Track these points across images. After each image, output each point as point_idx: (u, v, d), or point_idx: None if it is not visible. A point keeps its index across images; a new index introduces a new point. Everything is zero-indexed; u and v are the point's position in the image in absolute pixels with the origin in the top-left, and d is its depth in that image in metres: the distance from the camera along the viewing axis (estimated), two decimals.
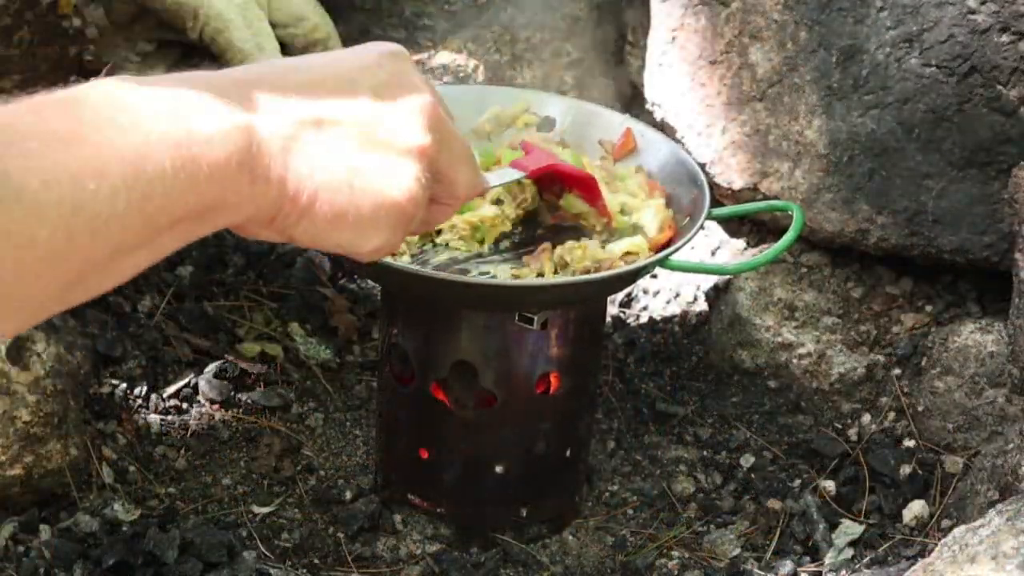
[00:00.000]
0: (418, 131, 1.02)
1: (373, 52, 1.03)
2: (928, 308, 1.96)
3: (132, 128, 0.80)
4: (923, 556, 1.70)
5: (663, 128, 2.04)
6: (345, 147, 0.96)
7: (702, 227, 1.59)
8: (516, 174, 1.51)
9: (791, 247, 1.68)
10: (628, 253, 1.57)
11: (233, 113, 0.87)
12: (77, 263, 0.77)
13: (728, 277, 2.04)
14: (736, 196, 2.00)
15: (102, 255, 0.79)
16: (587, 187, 1.59)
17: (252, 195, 0.89)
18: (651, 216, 1.61)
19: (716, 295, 2.07)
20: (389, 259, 1.53)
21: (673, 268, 1.59)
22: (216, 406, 1.90)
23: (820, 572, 1.72)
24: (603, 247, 1.57)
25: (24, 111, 0.77)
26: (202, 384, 1.92)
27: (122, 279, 0.83)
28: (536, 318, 1.56)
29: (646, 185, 1.66)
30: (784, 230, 1.63)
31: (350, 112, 0.97)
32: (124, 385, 1.88)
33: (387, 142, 0.99)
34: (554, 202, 1.61)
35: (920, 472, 1.82)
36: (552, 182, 1.59)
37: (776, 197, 1.96)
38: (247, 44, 1.65)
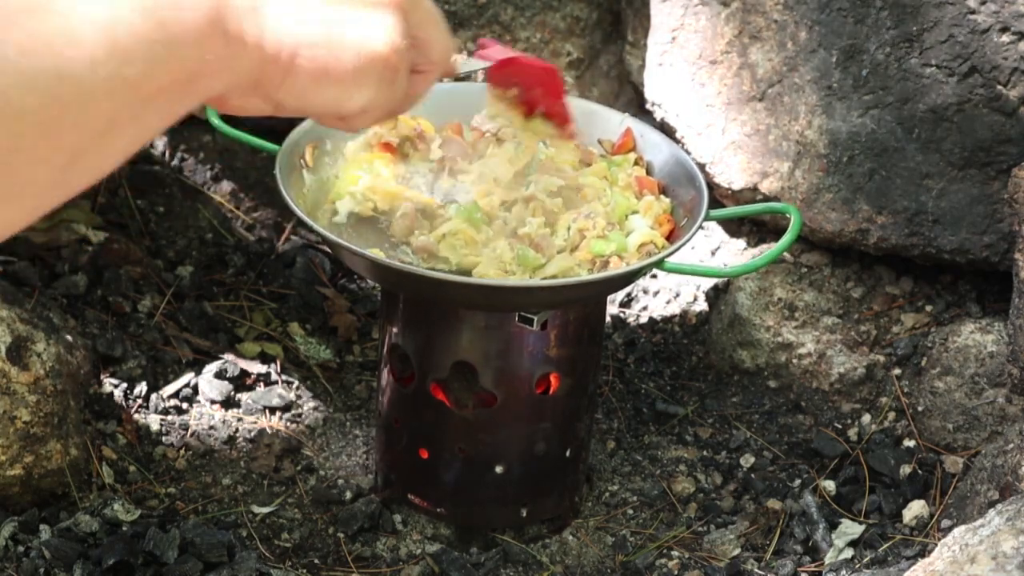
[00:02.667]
0: None
1: None
2: (928, 308, 1.96)
3: None
4: (923, 556, 1.70)
5: (663, 128, 2.04)
6: (317, 3, 0.96)
7: (701, 227, 1.59)
8: (481, 63, 1.48)
9: (789, 248, 1.68)
10: (643, 244, 1.58)
11: None
12: (71, 137, 0.76)
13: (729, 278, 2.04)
14: (736, 196, 2.00)
15: (93, 128, 0.77)
16: (549, 81, 1.54)
17: (229, 57, 0.88)
18: (638, 219, 1.61)
19: (716, 295, 2.07)
20: (388, 259, 1.53)
21: (670, 270, 1.59)
22: (216, 406, 1.90)
23: (820, 572, 1.72)
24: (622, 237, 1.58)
25: None
26: (202, 384, 1.92)
27: (115, 160, 0.81)
28: (536, 318, 1.56)
29: (635, 184, 1.66)
30: (784, 231, 1.63)
31: None
32: (124, 385, 1.88)
33: None
34: (509, 101, 1.57)
35: (920, 472, 1.82)
36: (509, 81, 1.54)
37: (776, 197, 1.96)
38: None
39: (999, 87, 1.80)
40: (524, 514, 1.75)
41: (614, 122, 1.75)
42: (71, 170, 0.78)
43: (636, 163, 1.71)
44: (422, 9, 1.09)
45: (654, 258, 1.54)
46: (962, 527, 1.49)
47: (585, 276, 1.54)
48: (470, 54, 1.50)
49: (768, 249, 1.71)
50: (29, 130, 0.73)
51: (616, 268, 1.54)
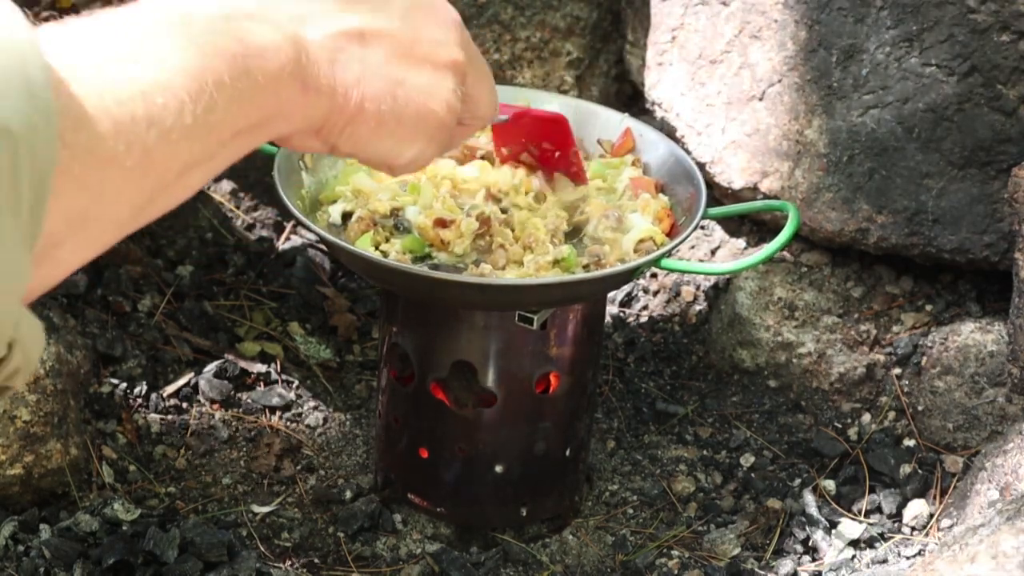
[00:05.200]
0: (453, 47, 1.09)
1: None
2: (928, 308, 1.96)
3: (189, 44, 0.82)
4: (923, 556, 1.70)
5: (663, 128, 2.04)
6: (388, 60, 1.01)
7: (701, 227, 1.59)
8: (500, 116, 1.51)
9: (787, 246, 1.68)
10: (642, 241, 1.58)
11: (282, 26, 0.90)
12: (153, 179, 0.79)
13: (728, 277, 2.04)
14: (736, 196, 2.00)
15: (175, 170, 0.81)
16: (558, 131, 1.58)
17: (304, 104, 0.92)
18: (637, 216, 1.61)
19: (716, 295, 2.07)
20: (387, 259, 1.53)
21: (668, 269, 1.59)
22: (216, 406, 1.90)
23: (820, 572, 1.72)
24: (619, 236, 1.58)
25: (83, 32, 0.78)
26: (202, 384, 1.92)
27: (186, 195, 0.85)
28: (536, 318, 1.56)
29: (630, 186, 1.66)
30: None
31: (389, 27, 1.02)
32: (124, 385, 1.88)
33: (426, 56, 1.05)
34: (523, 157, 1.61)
35: (920, 472, 1.82)
36: (518, 139, 1.59)
37: (776, 197, 1.96)
38: None
39: (999, 87, 1.80)
40: (524, 514, 1.75)
41: (614, 122, 1.75)
42: (147, 208, 0.81)
43: (633, 164, 1.71)
44: (477, 69, 1.15)
45: (652, 256, 1.54)
46: (962, 527, 1.49)
47: (583, 274, 1.54)
48: None
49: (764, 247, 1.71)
50: (115, 176, 0.76)
51: (614, 266, 1.54)
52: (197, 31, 0.83)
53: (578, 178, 1.63)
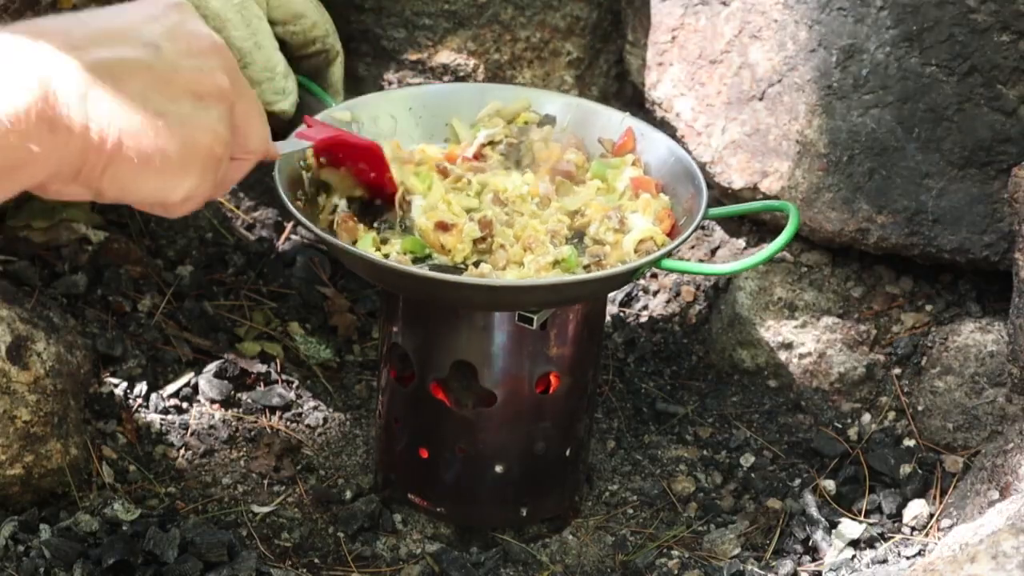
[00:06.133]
0: (217, 74, 1.03)
1: (157, 3, 1.03)
2: (928, 308, 1.96)
3: None
4: (923, 556, 1.70)
5: (663, 127, 2.04)
6: (145, 92, 0.96)
7: (701, 226, 1.59)
8: (302, 143, 1.50)
9: (787, 246, 1.68)
10: (642, 241, 1.58)
11: (28, 65, 0.86)
12: None
13: (728, 277, 2.04)
14: (736, 196, 2.00)
15: None
16: (373, 158, 1.57)
17: (54, 146, 0.89)
18: (638, 217, 1.61)
19: (716, 295, 2.07)
20: (384, 258, 1.53)
21: (668, 269, 1.59)
22: (216, 406, 1.90)
23: (820, 572, 1.72)
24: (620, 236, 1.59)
25: None
26: (202, 384, 1.92)
27: None
28: (535, 318, 1.56)
29: (631, 186, 1.66)
30: (784, 230, 1.63)
31: (144, 58, 0.97)
32: (124, 385, 1.88)
33: (186, 86, 1.00)
34: (342, 176, 1.60)
35: (920, 472, 1.82)
36: (337, 159, 1.58)
37: (776, 197, 1.96)
38: (245, 43, 1.65)
39: (999, 87, 1.80)
40: (524, 513, 1.75)
41: (615, 121, 1.75)
42: None
43: (634, 164, 1.71)
44: (245, 100, 1.09)
45: (652, 257, 1.54)
46: (962, 527, 1.49)
47: (583, 275, 1.54)
48: (309, 126, 1.53)
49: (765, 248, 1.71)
50: None
51: (614, 267, 1.54)
52: None
53: (391, 196, 1.61)
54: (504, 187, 1.64)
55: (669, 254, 1.56)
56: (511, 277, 1.54)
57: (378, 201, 1.60)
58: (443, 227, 1.56)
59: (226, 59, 1.06)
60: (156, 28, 1.00)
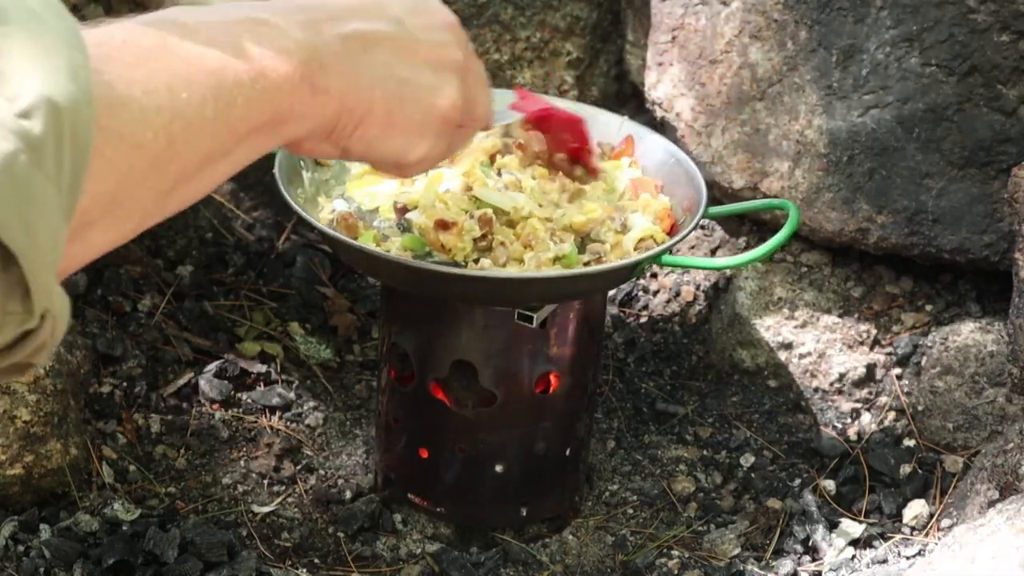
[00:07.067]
0: (453, 48, 1.14)
1: None
2: (928, 308, 1.96)
3: (208, 45, 0.87)
4: (923, 556, 1.70)
5: (663, 127, 2.04)
6: (392, 62, 1.06)
7: (701, 226, 1.59)
8: (515, 114, 1.58)
9: (787, 243, 1.68)
10: (642, 240, 1.58)
11: (291, 32, 0.94)
12: (176, 168, 0.84)
13: (728, 276, 2.04)
14: (736, 196, 2.00)
15: (195, 161, 0.86)
16: (576, 130, 1.63)
17: (314, 106, 0.97)
18: (638, 216, 1.61)
19: (716, 294, 2.07)
20: (386, 252, 1.53)
21: (668, 264, 1.59)
22: (216, 406, 1.90)
23: (820, 572, 1.72)
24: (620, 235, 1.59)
25: (113, 29, 0.83)
26: (202, 384, 1.92)
27: (207, 189, 0.90)
28: (535, 316, 1.56)
29: (630, 187, 1.66)
30: None
31: (390, 31, 1.06)
32: (124, 385, 1.88)
33: (428, 57, 1.10)
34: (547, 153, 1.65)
35: (920, 472, 1.82)
36: (543, 125, 1.63)
37: (776, 196, 1.96)
38: None
39: (999, 87, 1.80)
40: (524, 513, 1.75)
41: (613, 125, 1.75)
42: (170, 197, 0.86)
43: (631, 165, 1.71)
44: (474, 71, 1.20)
45: (652, 252, 1.54)
46: (962, 527, 1.49)
47: (583, 269, 1.54)
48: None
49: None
50: (142, 161, 0.80)
51: (614, 262, 1.54)
52: (217, 33, 0.89)
53: (591, 166, 1.65)
54: (513, 206, 1.62)
55: (669, 250, 1.56)
56: (511, 271, 1.54)
57: (578, 170, 1.65)
58: (443, 225, 1.56)
59: (459, 34, 1.16)
60: (399, 4, 1.09)
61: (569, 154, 1.64)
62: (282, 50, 0.92)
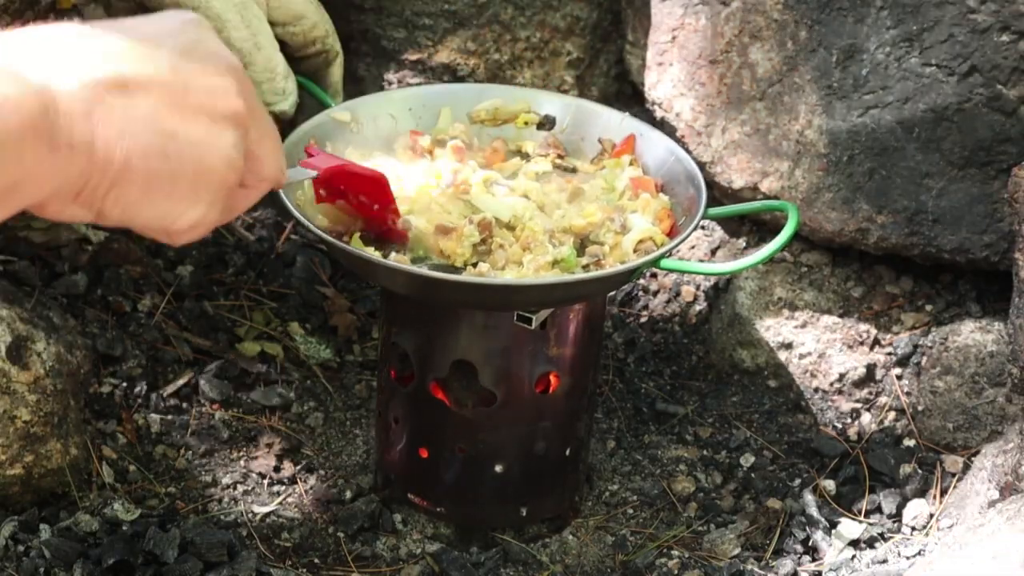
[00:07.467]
0: (232, 96, 0.98)
1: (174, 18, 0.98)
2: (928, 308, 1.96)
3: None
4: (923, 556, 1.70)
5: (663, 127, 2.04)
6: (156, 111, 0.91)
7: (701, 226, 1.59)
8: (308, 172, 1.46)
9: (787, 246, 1.68)
10: (641, 241, 1.58)
11: (27, 78, 0.82)
12: None
13: (728, 277, 2.04)
14: (736, 196, 2.00)
15: None
16: (376, 188, 1.52)
17: (54, 165, 0.84)
18: (637, 217, 1.61)
19: (716, 295, 2.07)
20: (383, 259, 1.53)
21: (668, 269, 1.59)
22: (216, 406, 1.90)
23: (820, 572, 1.72)
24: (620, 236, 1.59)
25: None
26: (202, 384, 1.92)
27: None
28: (535, 318, 1.56)
29: (630, 185, 1.66)
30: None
31: (157, 75, 0.92)
32: (124, 385, 1.88)
33: (200, 106, 0.95)
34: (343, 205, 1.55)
35: (920, 472, 1.82)
36: (336, 189, 1.53)
37: (776, 197, 1.96)
38: (245, 44, 1.65)
39: (999, 87, 1.80)
40: (524, 513, 1.75)
41: (615, 122, 1.75)
42: None
43: (632, 164, 1.71)
44: (260, 126, 1.03)
45: (650, 256, 1.54)
46: (962, 527, 1.49)
47: (581, 274, 1.54)
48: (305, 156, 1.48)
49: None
50: None
51: (612, 267, 1.54)
52: None
53: (391, 235, 1.56)
54: (507, 211, 1.62)
55: (668, 254, 1.56)
56: (509, 277, 1.54)
57: (382, 239, 1.55)
58: (443, 231, 1.56)
59: (243, 81, 1.00)
60: (171, 44, 0.95)
61: (369, 218, 1.54)
62: (10, 101, 0.80)
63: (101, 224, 0.95)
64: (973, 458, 1.81)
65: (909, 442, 1.87)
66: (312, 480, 1.83)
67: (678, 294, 2.11)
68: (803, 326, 1.97)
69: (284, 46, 1.75)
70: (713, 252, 2.10)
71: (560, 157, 1.72)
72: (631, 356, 2.04)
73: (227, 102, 0.97)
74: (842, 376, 1.95)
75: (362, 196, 1.52)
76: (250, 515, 1.76)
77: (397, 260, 1.53)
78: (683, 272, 1.79)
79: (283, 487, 1.82)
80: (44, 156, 0.83)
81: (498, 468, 1.70)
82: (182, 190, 0.95)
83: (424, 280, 1.50)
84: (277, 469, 1.84)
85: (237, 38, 1.64)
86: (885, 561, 1.72)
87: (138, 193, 0.92)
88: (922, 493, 1.81)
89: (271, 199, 2.19)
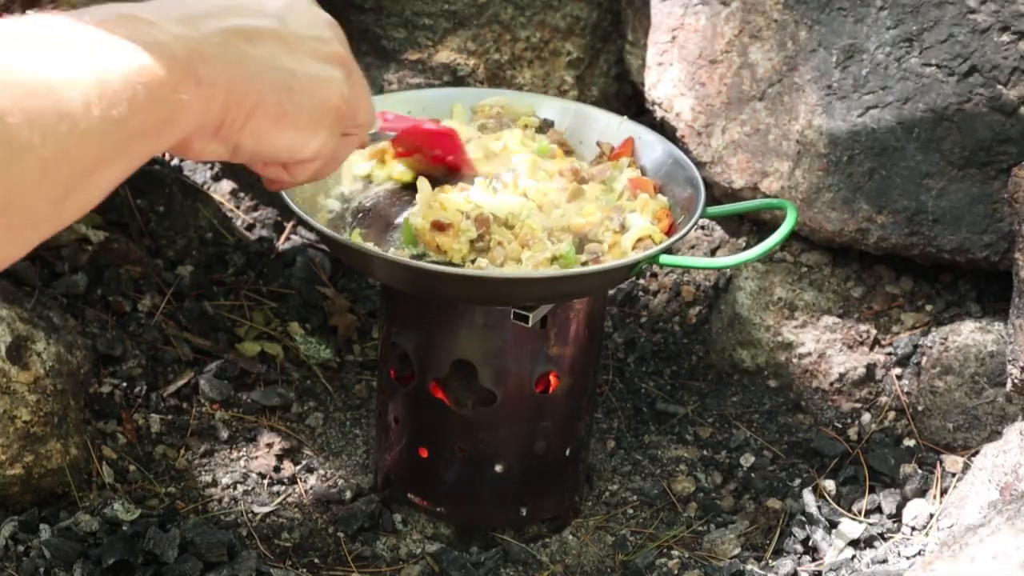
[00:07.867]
0: (334, 43, 1.14)
1: None
2: (928, 308, 1.96)
3: (92, 44, 0.86)
4: (923, 556, 1.70)
5: (663, 128, 2.04)
6: (277, 54, 1.05)
7: (700, 226, 1.59)
8: (388, 134, 1.58)
9: (785, 243, 1.68)
10: (640, 240, 1.57)
11: (171, 29, 0.93)
12: (67, 173, 0.84)
13: (728, 276, 2.04)
14: (736, 195, 2.00)
15: (87, 164, 0.85)
16: (448, 142, 1.64)
17: (200, 97, 0.95)
18: (636, 216, 1.61)
19: (716, 295, 2.07)
20: (383, 251, 1.53)
21: (667, 265, 1.59)
22: (216, 406, 1.90)
23: (820, 572, 1.72)
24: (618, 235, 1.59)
25: None
26: (202, 384, 1.92)
27: (101, 196, 0.89)
28: (531, 316, 1.56)
29: (629, 186, 1.66)
30: None
31: (271, 26, 1.05)
32: (124, 385, 1.88)
33: (311, 51, 1.09)
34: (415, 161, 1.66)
35: (920, 472, 1.83)
36: (413, 146, 1.65)
37: (776, 196, 1.96)
38: None
39: (999, 87, 1.80)
40: (524, 513, 1.75)
41: (613, 125, 1.75)
42: (64, 204, 0.85)
43: (630, 166, 1.71)
44: (357, 72, 1.19)
45: (649, 252, 1.53)
46: (962, 527, 1.49)
47: (579, 269, 1.54)
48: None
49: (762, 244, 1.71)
50: (32, 165, 0.80)
51: (612, 261, 1.54)
52: (99, 33, 0.88)
53: (467, 167, 1.67)
54: (510, 210, 1.63)
55: (667, 250, 1.56)
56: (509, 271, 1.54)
57: (457, 181, 1.66)
58: (439, 227, 1.56)
59: (340, 34, 1.15)
60: (277, 4, 1.08)
61: (446, 167, 1.65)
62: (160, 44, 0.91)
63: (235, 159, 1.07)
64: (973, 458, 1.81)
65: (909, 442, 1.87)
66: (312, 480, 1.83)
67: (678, 294, 2.11)
68: (803, 326, 1.97)
69: None
70: (713, 252, 2.10)
71: (568, 154, 1.73)
72: (631, 356, 2.04)
73: (331, 48, 1.13)
74: (842, 376, 1.95)
75: (437, 150, 1.65)
76: (250, 515, 1.76)
77: (396, 255, 1.53)
78: (683, 267, 1.79)
79: (283, 487, 1.82)
80: (192, 89, 0.94)
81: (498, 468, 1.70)
82: (305, 120, 1.08)
83: (423, 273, 1.50)
84: (277, 469, 1.84)
85: None
86: (885, 561, 1.72)
87: (269, 124, 1.04)
88: (922, 493, 1.81)
89: (271, 199, 2.20)
